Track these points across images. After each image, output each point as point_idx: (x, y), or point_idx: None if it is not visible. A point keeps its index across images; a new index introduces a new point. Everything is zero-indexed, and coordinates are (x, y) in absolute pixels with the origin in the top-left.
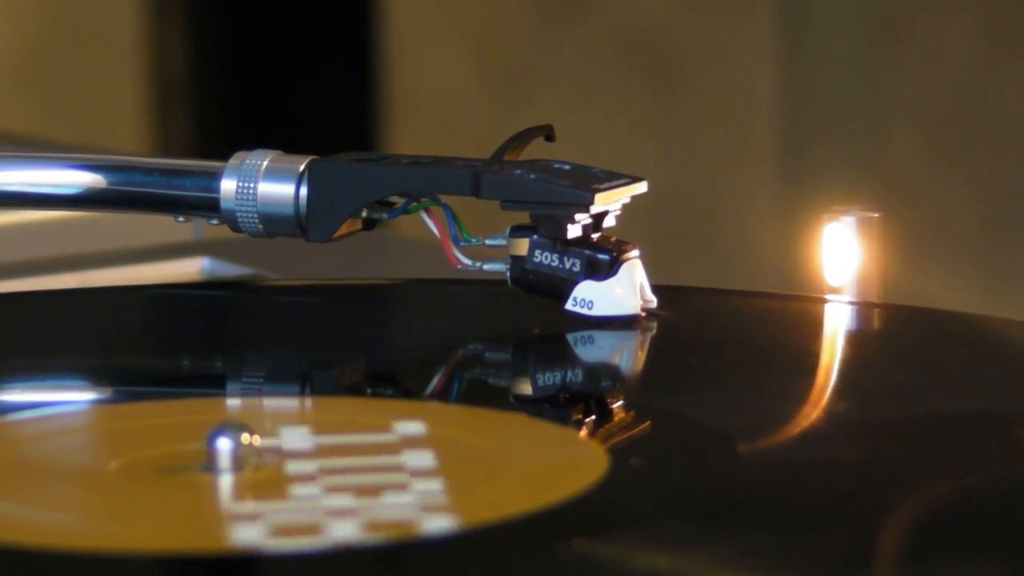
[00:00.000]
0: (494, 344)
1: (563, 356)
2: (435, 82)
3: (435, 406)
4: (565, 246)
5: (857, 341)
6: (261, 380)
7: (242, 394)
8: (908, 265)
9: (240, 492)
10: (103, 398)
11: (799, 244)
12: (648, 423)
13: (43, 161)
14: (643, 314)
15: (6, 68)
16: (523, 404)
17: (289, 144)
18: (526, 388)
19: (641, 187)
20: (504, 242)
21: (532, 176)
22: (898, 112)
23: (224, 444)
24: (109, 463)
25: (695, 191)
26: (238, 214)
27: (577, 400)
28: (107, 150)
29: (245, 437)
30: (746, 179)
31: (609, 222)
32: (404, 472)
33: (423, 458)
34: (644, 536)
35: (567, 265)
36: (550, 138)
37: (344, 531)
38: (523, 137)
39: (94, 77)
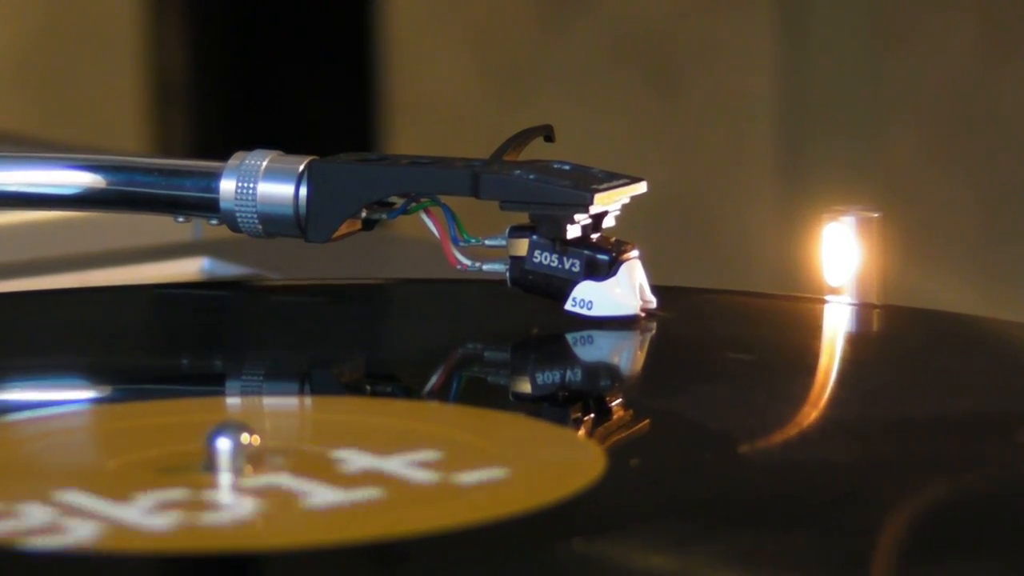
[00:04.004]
0: (494, 344)
1: (562, 356)
2: (435, 82)
3: (434, 405)
4: (564, 246)
5: (857, 342)
6: (261, 379)
7: (242, 394)
8: (908, 265)
9: (240, 492)
10: (103, 398)
11: (799, 244)
12: (647, 423)
13: (43, 161)
14: (642, 314)
15: (6, 68)
16: (522, 403)
17: (289, 144)
18: (525, 388)
19: (640, 187)
20: (504, 242)
21: (531, 176)
22: (898, 112)
23: (224, 444)
24: (109, 463)
25: (695, 191)
26: (237, 214)
27: (576, 400)
28: (107, 150)
29: (245, 437)
30: (746, 179)
31: (609, 222)
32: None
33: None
34: (642, 536)
35: (566, 265)
36: (550, 138)
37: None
38: (523, 137)
39: (94, 77)
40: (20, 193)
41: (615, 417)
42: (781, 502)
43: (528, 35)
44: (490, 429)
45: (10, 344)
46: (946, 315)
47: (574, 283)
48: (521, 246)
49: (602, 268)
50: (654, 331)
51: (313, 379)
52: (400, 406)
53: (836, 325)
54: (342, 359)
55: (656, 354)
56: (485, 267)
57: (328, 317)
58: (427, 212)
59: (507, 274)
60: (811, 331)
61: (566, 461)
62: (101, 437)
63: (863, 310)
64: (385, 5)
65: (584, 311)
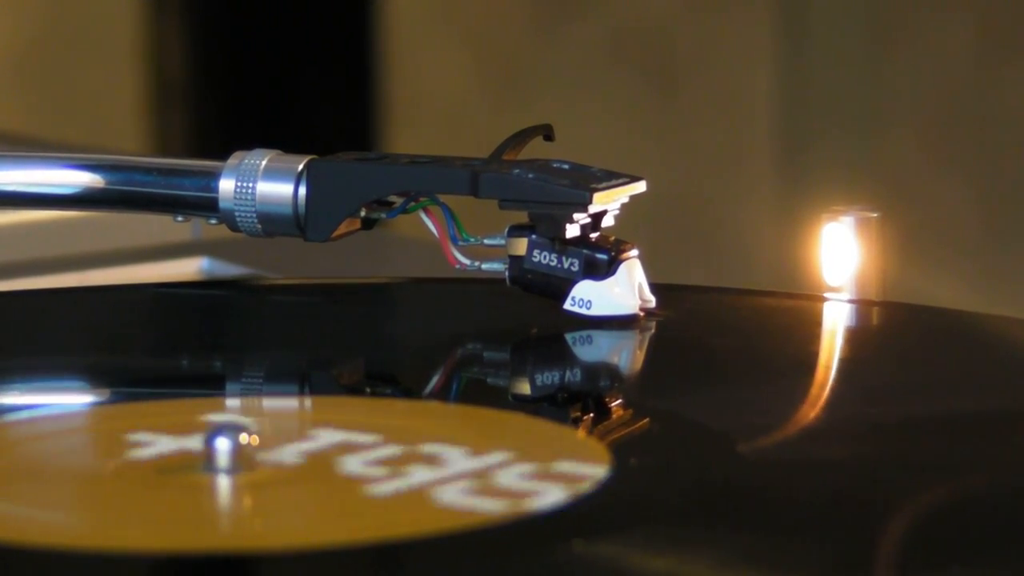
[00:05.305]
0: (493, 344)
1: (562, 356)
2: (435, 82)
3: (434, 406)
4: (563, 246)
5: (856, 340)
6: (260, 380)
7: (241, 394)
8: (907, 265)
9: (239, 492)
10: (102, 398)
11: (798, 244)
12: (647, 422)
13: (43, 161)
14: (641, 314)
15: (6, 68)
16: (522, 403)
17: (288, 144)
18: (525, 388)
19: (640, 187)
20: (503, 242)
21: (530, 175)
22: (897, 112)
23: (223, 444)
24: (108, 463)
25: (694, 191)
26: (237, 214)
27: (576, 399)
28: (106, 150)
29: (244, 437)
30: (745, 179)
31: (608, 222)
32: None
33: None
34: (643, 536)
35: (565, 265)
36: (549, 137)
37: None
38: (522, 136)
39: (94, 77)
40: (20, 193)
41: (615, 417)
42: (781, 502)
43: (527, 35)
44: (490, 429)
45: (10, 344)
46: (946, 312)
47: (573, 282)
48: (520, 245)
49: (601, 267)
50: (653, 330)
51: (312, 379)
52: (400, 407)
53: (836, 323)
54: (341, 359)
55: (655, 354)
56: (484, 266)
57: (328, 317)
58: (426, 211)
59: (506, 273)
60: (811, 329)
61: (566, 462)
62: (100, 437)
63: (862, 307)
64: (384, 5)
65: (583, 310)
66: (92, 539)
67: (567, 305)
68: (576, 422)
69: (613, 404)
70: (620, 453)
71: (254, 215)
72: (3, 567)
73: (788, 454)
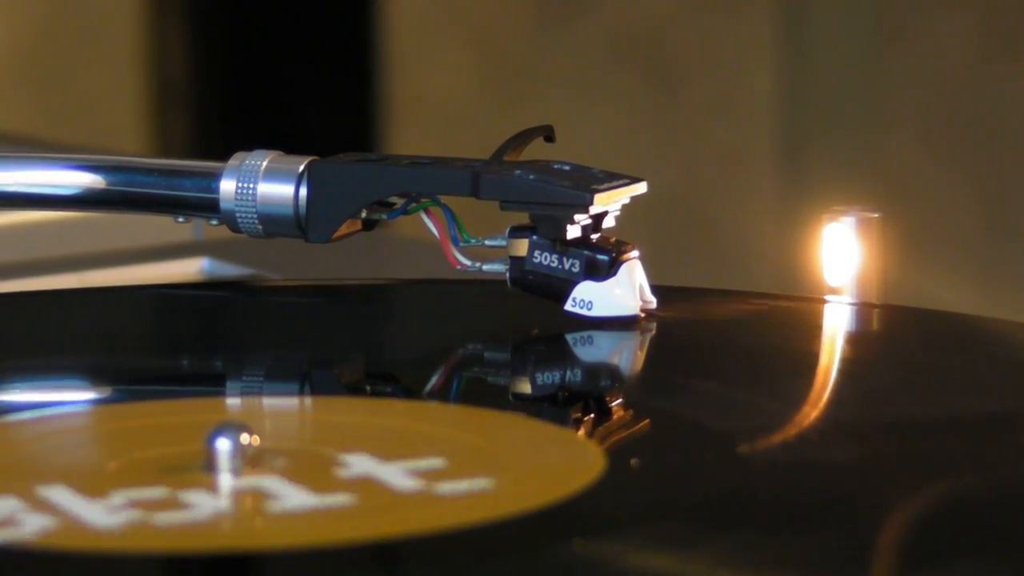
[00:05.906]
0: (493, 344)
1: (562, 356)
2: (435, 82)
3: (434, 405)
4: (564, 247)
5: (857, 342)
6: (261, 380)
7: (242, 394)
8: (908, 265)
9: (239, 492)
10: (103, 398)
11: (799, 244)
12: (647, 423)
13: (43, 161)
14: (642, 315)
15: (6, 68)
16: (522, 404)
17: (289, 144)
18: (525, 388)
19: (641, 188)
20: (504, 243)
21: (531, 177)
22: (898, 112)
23: (224, 444)
24: (109, 463)
25: (695, 191)
26: (237, 215)
27: (576, 400)
28: (107, 150)
29: (244, 437)
30: (746, 179)
31: (609, 223)
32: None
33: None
34: (642, 536)
35: (566, 266)
36: (550, 139)
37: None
38: (523, 137)
39: (94, 77)
40: (20, 193)
41: (615, 417)
42: (781, 502)
43: (528, 35)
44: (490, 430)
45: (10, 344)
46: (946, 315)
47: (574, 283)
48: (521, 246)
49: (602, 268)
50: (654, 331)
51: (313, 379)
52: (400, 407)
53: (836, 325)
54: (342, 359)
55: (656, 354)
56: (485, 267)
57: (328, 317)
58: (427, 212)
59: (507, 274)
60: (811, 331)
61: (566, 461)
62: (101, 437)
63: (863, 310)
64: (385, 5)
65: (584, 311)
66: (92, 539)
67: (568, 306)
68: (576, 423)
69: (613, 405)
70: (620, 454)
71: (255, 216)
72: (4, 567)
73: (788, 455)
